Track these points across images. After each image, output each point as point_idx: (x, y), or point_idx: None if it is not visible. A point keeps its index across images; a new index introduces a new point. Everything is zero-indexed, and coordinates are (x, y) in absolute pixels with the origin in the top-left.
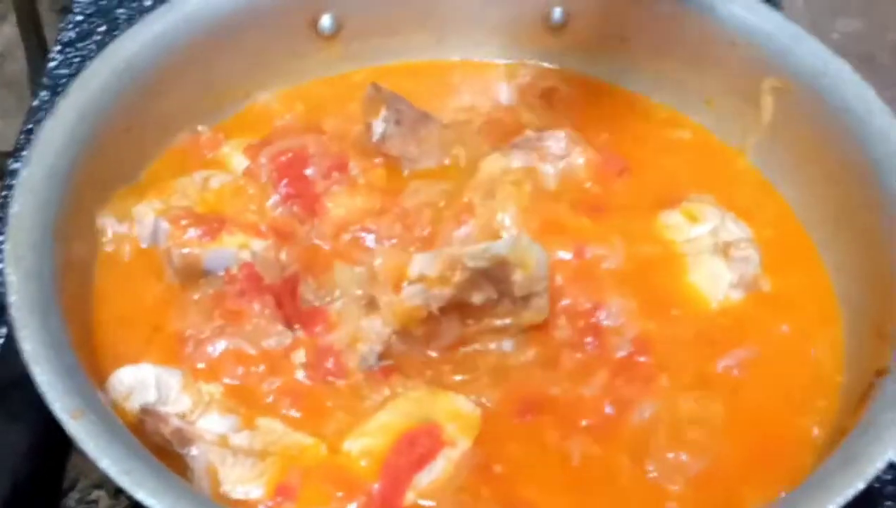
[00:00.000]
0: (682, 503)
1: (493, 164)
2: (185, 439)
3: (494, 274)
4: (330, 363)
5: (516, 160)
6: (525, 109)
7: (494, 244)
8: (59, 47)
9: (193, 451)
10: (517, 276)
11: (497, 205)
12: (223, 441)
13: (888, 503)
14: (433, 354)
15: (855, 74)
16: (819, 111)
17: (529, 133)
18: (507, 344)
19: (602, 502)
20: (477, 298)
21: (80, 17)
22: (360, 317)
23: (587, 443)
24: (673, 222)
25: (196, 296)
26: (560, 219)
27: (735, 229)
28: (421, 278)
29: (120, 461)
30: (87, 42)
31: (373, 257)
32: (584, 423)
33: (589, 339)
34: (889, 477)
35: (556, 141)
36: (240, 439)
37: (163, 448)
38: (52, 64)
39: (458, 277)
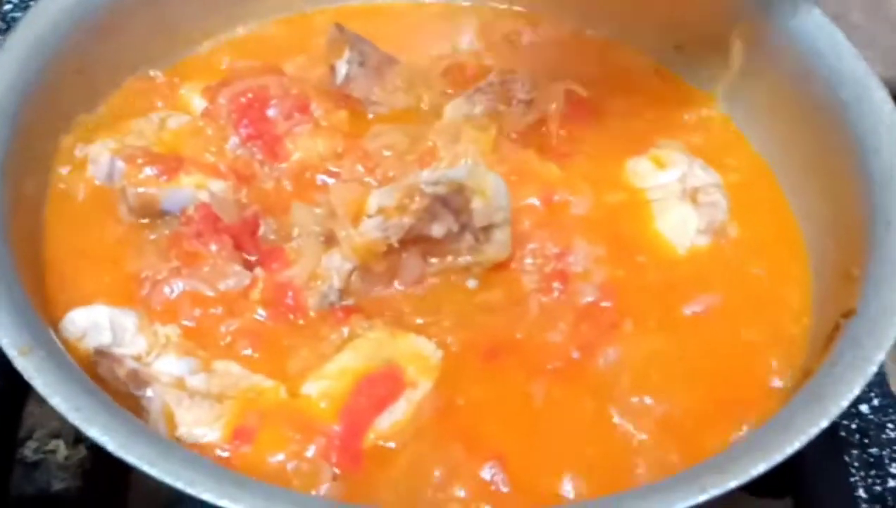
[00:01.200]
0: (645, 444)
1: (456, 108)
2: (141, 381)
3: (453, 202)
4: (289, 300)
5: (480, 105)
6: (489, 53)
7: (451, 170)
8: None
9: (149, 393)
10: (476, 203)
11: (461, 149)
12: (180, 384)
13: (854, 451)
14: (396, 292)
15: (824, 17)
16: (788, 55)
17: (493, 77)
18: (472, 283)
19: (565, 444)
20: (437, 230)
21: None
22: (319, 254)
23: (551, 386)
24: (641, 169)
25: (152, 236)
26: (527, 164)
27: (703, 175)
28: (380, 211)
29: (71, 397)
30: None
31: (331, 194)
32: (548, 367)
33: (556, 284)
34: (855, 426)
35: (521, 85)
36: (197, 381)
37: (118, 391)
38: (7, 7)
39: (416, 204)
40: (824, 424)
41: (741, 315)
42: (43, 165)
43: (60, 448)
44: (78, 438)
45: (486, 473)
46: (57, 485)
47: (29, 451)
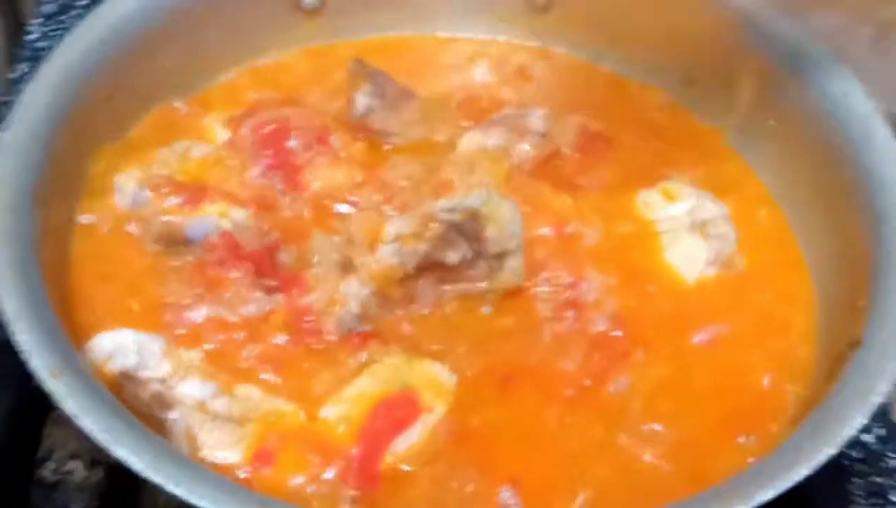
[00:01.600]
0: (655, 469)
1: (471, 140)
2: (165, 403)
3: (468, 229)
4: (308, 325)
5: (494, 137)
6: (503, 86)
7: (466, 198)
8: (39, 20)
9: (173, 415)
10: (490, 231)
11: (475, 180)
12: (202, 407)
13: (857, 479)
14: (412, 318)
15: (832, 54)
16: (797, 92)
17: (508, 110)
18: (486, 310)
19: (577, 468)
20: (452, 257)
21: None
22: (337, 280)
23: (563, 412)
24: (651, 201)
25: (176, 263)
26: (540, 196)
27: (712, 208)
28: (396, 238)
29: (101, 419)
30: (68, 15)
31: (350, 223)
32: (561, 393)
33: (569, 313)
34: (858, 456)
35: (536, 118)
36: (219, 405)
37: (142, 413)
38: (31, 37)
39: (431, 231)
40: (831, 451)
41: (747, 345)
42: (71, 193)
43: (78, 469)
44: (95, 460)
45: (502, 496)
46: (74, 506)
47: (48, 472)
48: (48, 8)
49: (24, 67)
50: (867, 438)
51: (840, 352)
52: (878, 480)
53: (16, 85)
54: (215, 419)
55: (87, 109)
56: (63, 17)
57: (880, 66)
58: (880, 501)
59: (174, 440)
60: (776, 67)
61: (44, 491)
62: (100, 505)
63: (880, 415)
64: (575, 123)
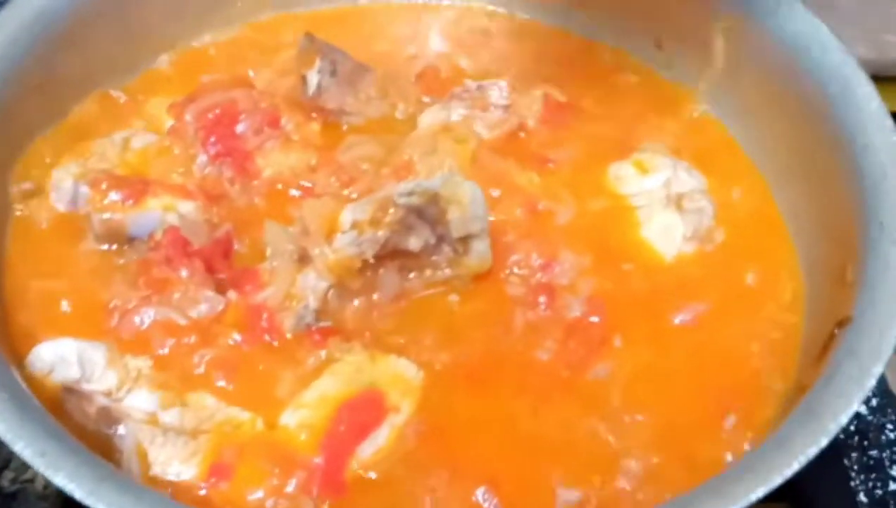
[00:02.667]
0: (640, 460)
1: (432, 116)
2: (112, 418)
3: (429, 213)
4: (264, 323)
5: (456, 112)
6: (463, 54)
7: (426, 181)
8: None
9: (121, 430)
10: (452, 214)
11: (437, 161)
12: (152, 419)
13: (854, 454)
14: (374, 310)
15: (808, 11)
16: (773, 52)
17: (469, 82)
18: (453, 298)
19: (557, 465)
20: (414, 243)
21: None
22: (293, 273)
23: (539, 405)
24: (624, 174)
25: (120, 263)
26: (507, 175)
27: (688, 180)
28: (354, 226)
29: (34, 441)
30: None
31: (304, 211)
32: (536, 384)
33: (541, 297)
34: (853, 428)
35: (499, 90)
36: (170, 416)
37: (86, 430)
38: None
39: (390, 217)
40: (824, 443)
41: (730, 323)
42: (2, 192)
43: (38, 478)
44: None
45: (476, 498)
46: None
47: (6, 481)
48: None
49: None
50: (863, 409)
51: (830, 331)
52: (876, 454)
53: None
54: (167, 432)
55: (16, 101)
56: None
57: (860, 11)
58: (881, 476)
59: (124, 459)
60: (749, 23)
61: (3, 501)
62: None
63: (876, 383)
64: (540, 94)
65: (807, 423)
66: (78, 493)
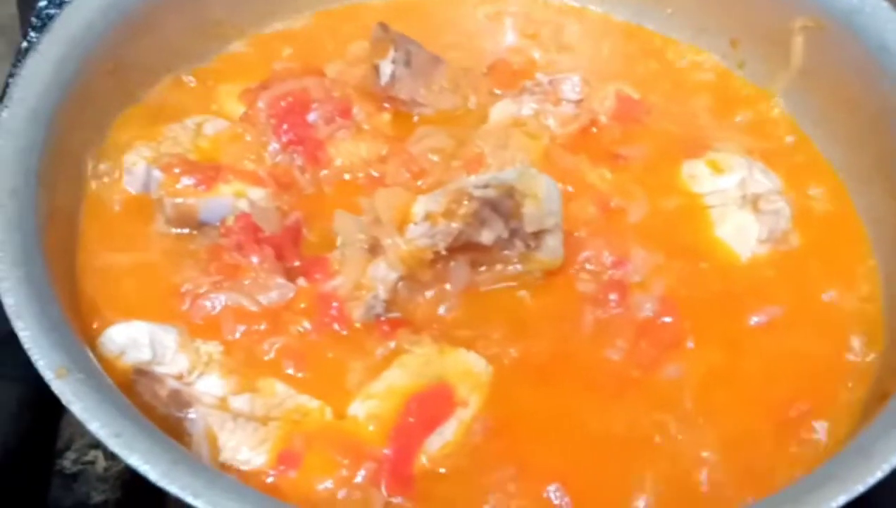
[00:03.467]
0: (712, 469)
1: (503, 110)
2: (183, 401)
3: (503, 207)
4: (333, 311)
5: (527, 106)
6: (537, 49)
7: (502, 173)
8: None
9: (191, 414)
10: (527, 208)
11: (509, 156)
12: (223, 404)
13: None
14: (444, 303)
15: (892, 11)
16: (854, 52)
17: (540, 76)
18: (523, 293)
19: (623, 470)
20: (486, 236)
21: None
22: (363, 263)
23: (608, 404)
24: (697, 173)
25: (192, 248)
26: (579, 171)
27: (764, 181)
28: (427, 217)
29: (110, 422)
30: None
31: (376, 201)
32: (605, 383)
33: (612, 295)
34: None
35: (571, 85)
36: (240, 402)
37: (157, 412)
38: (42, 3)
39: (464, 209)
40: None
41: (805, 328)
42: (77, 174)
43: (99, 460)
44: None
45: (548, 495)
46: (96, 497)
47: (68, 462)
48: None
49: (34, 36)
50: None
51: None
52: None
53: (26, 55)
54: (237, 418)
55: (90, 84)
56: None
57: None
58: None
59: (194, 443)
60: (830, 23)
61: (64, 482)
62: (122, 496)
63: None
64: (612, 89)
65: (890, 431)
66: (152, 475)
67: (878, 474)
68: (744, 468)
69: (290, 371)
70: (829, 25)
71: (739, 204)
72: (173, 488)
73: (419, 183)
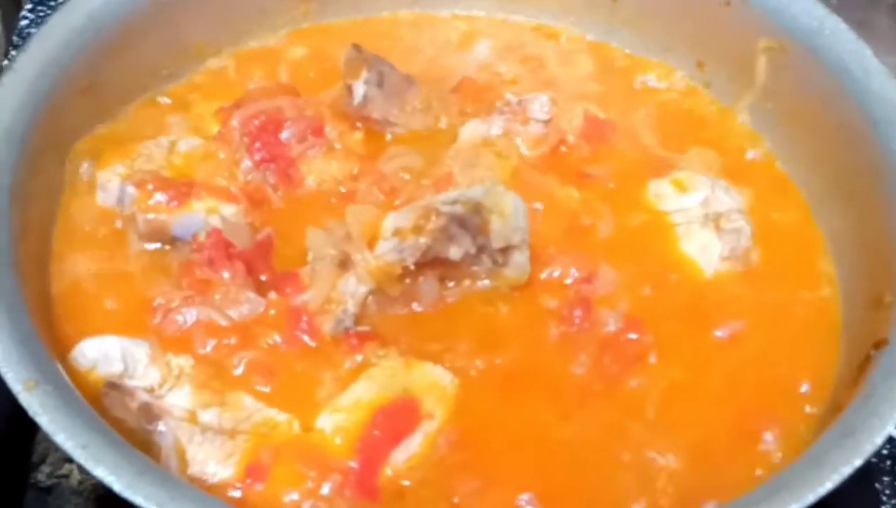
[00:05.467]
0: (673, 477)
1: (473, 129)
2: (153, 414)
3: (470, 223)
4: (303, 325)
5: (496, 126)
6: (506, 69)
7: (469, 190)
8: (30, 5)
9: (161, 427)
10: (494, 224)
11: (478, 175)
12: (192, 417)
13: (885, 478)
14: (412, 317)
15: (851, 32)
16: (815, 72)
17: (510, 96)
18: (490, 307)
19: (588, 479)
20: (454, 252)
21: None
22: (334, 277)
23: (573, 416)
24: (662, 192)
25: (164, 263)
26: (546, 189)
27: (726, 199)
28: (396, 233)
29: (76, 434)
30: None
31: (346, 217)
32: (569, 396)
33: (577, 312)
34: (886, 452)
35: (540, 105)
36: (209, 416)
37: (128, 428)
38: (23, 23)
39: (432, 224)
40: (858, 462)
41: (767, 342)
42: (51, 190)
43: (74, 473)
44: None
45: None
46: None
47: (42, 476)
48: None
49: (16, 54)
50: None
51: (866, 353)
52: None
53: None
54: (205, 431)
55: (65, 103)
56: (55, 2)
57: None
58: None
59: (163, 456)
60: (791, 45)
61: (39, 495)
62: None
63: None
64: (580, 109)
65: (841, 442)
66: (117, 486)
67: (828, 484)
68: (705, 477)
69: (259, 385)
70: (791, 47)
71: (702, 222)
72: (138, 498)
73: (390, 200)
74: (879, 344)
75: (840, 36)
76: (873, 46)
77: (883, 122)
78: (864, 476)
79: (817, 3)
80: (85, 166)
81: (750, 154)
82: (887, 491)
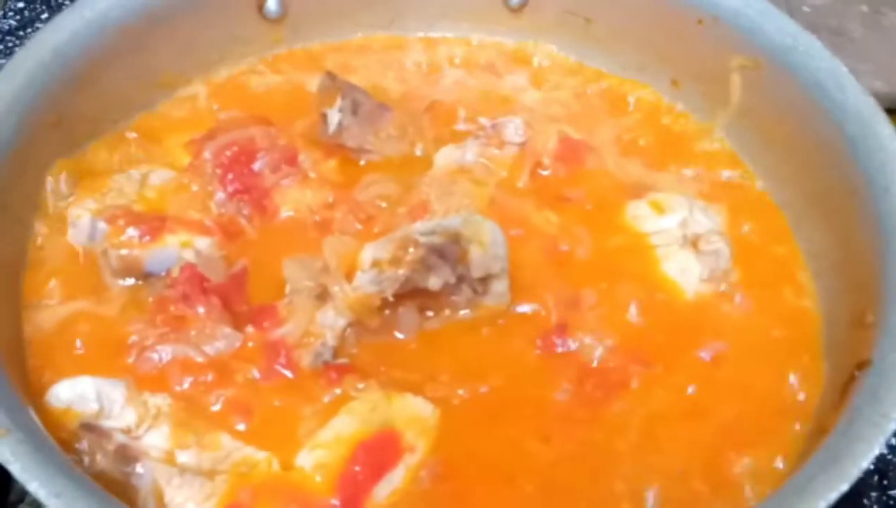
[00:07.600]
0: (660, 502)
1: (448, 156)
2: (130, 456)
3: (449, 253)
4: (281, 359)
5: (471, 151)
6: (481, 91)
7: (447, 220)
8: None
9: (139, 469)
10: (473, 253)
11: (454, 202)
12: (170, 458)
13: (873, 493)
14: (391, 348)
15: (826, 49)
16: (789, 89)
17: (483, 120)
18: (471, 337)
19: (574, 506)
20: (433, 282)
21: (21, 4)
22: (312, 310)
23: (556, 447)
24: (640, 214)
25: (137, 299)
26: (524, 214)
27: (704, 220)
28: (374, 264)
29: (49, 482)
30: (29, 30)
31: (324, 249)
32: (552, 425)
33: (559, 339)
34: (873, 467)
35: (514, 128)
36: (186, 457)
37: (104, 473)
38: None
39: (411, 255)
40: (844, 488)
41: (749, 364)
42: (20, 227)
43: None
44: None
45: None
46: None
47: None
48: (6, 24)
49: None
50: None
51: (850, 374)
52: (895, 494)
53: None
54: (183, 472)
55: (33, 138)
56: (24, 33)
57: (876, 44)
58: None
59: (140, 499)
60: (765, 62)
61: None
62: None
63: None
64: (554, 130)
65: (827, 468)
66: None
67: None
68: (691, 502)
69: (237, 423)
70: (765, 64)
71: (681, 243)
72: None
73: (367, 229)
74: (862, 365)
75: (814, 53)
76: (847, 54)
77: (859, 139)
78: (853, 492)
79: (791, 20)
80: (54, 202)
81: (727, 173)
82: (875, 507)
